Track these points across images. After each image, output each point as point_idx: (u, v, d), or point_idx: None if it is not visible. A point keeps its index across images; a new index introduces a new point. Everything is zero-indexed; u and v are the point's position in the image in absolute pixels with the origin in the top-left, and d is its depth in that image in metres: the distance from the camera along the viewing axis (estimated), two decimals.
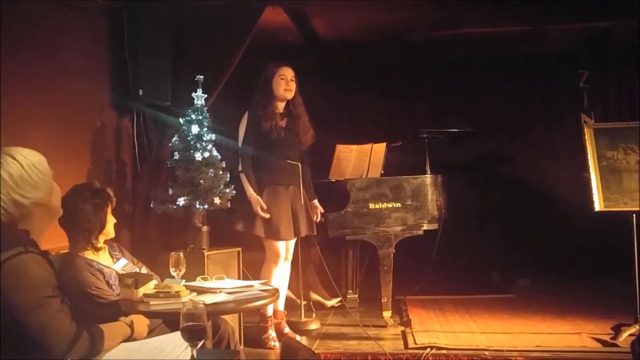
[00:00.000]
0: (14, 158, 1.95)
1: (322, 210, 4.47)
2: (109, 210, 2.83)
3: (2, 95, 3.07)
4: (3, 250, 1.85)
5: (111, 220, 2.86)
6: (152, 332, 2.40)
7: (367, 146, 5.13)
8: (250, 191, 4.12)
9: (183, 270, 2.95)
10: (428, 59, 6.70)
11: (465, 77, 6.82)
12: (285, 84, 4.24)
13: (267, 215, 4.09)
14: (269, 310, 4.25)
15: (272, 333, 4.22)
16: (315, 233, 4.38)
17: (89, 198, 2.75)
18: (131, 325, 2.19)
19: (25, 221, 1.96)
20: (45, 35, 3.60)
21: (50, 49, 3.64)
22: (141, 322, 2.28)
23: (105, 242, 2.88)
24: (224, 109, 4.38)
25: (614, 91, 6.61)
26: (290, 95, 4.28)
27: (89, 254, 2.75)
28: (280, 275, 4.32)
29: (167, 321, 2.58)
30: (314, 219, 4.39)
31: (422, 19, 5.56)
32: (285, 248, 4.27)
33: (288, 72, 4.26)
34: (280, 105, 4.31)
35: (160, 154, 4.35)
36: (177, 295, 2.72)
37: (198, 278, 3.11)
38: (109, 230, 2.85)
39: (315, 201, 4.47)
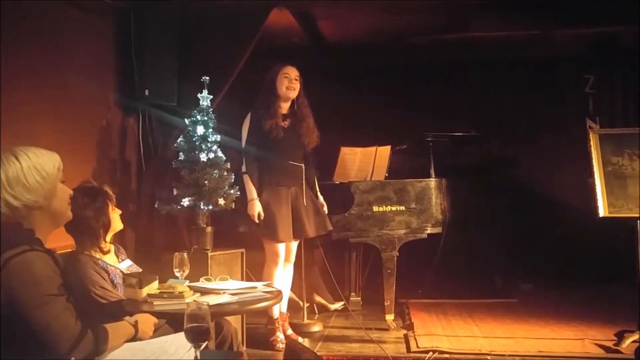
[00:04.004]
0: (16, 158, 1.95)
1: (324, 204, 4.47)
2: (110, 208, 2.82)
3: (8, 93, 3.08)
4: (9, 248, 1.85)
5: (115, 217, 2.85)
6: (155, 332, 2.40)
7: (372, 149, 5.13)
8: (252, 194, 4.11)
9: (187, 271, 2.96)
10: (434, 62, 6.70)
11: (471, 80, 6.81)
12: (289, 82, 4.24)
13: (257, 221, 4.09)
14: (275, 312, 4.25)
15: (280, 335, 4.22)
16: (331, 228, 4.36)
17: (88, 204, 2.72)
18: (135, 325, 2.19)
19: (26, 221, 1.96)
20: (51, 34, 3.61)
21: (57, 48, 3.65)
22: (146, 322, 2.28)
23: (112, 242, 2.88)
24: (230, 110, 4.39)
25: (619, 97, 6.60)
26: (292, 95, 4.28)
27: (95, 252, 2.75)
28: (283, 277, 4.32)
29: (170, 321, 2.58)
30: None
31: (428, 22, 5.56)
32: (285, 249, 4.27)
33: (292, 72, 4.27)
34: (284, 106, 4.31)
35: (165, 154, 4.36)
36: (180, 295, 2.73)
37: (202, 279, 3.11)
38: (115, 227, 2.84)
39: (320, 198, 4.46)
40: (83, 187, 2.78)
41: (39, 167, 1.97)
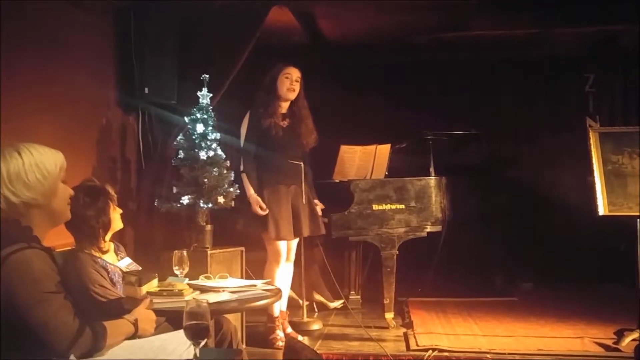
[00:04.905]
0: (19, 154, 1.95)
1: (322, 207, 4.47)
2: (111, 208, 2.82)
3: (8, 91, 3.08)
4: (7, 245, 1.85)
5: (116, 217, 2.85)
6: (155, 330, 2.40)
7: (372, 147, 5.13)
8: (251, 191, 4.12)
9: (186, 269, 2.97)
10: (434, 61, 6.70)
11: (471, 79, 6.81)
12: (290, 83, 4.24)
13: (265, 212, 4.09)
14: (276, 310, 4.25)
15: (279, 333, 4.23)
16: (323, 232, 4.37)
17: (90, 203, 2.71)
18: (135, 324, 2.19)
19: (23, 219, 1.96)
20: (52, 32, 3.61)
21: (57, 47, 3.65)
22: (147, 320, 2.27)
23: (111, 240, 2.88)
24: (229, 108, 4.39)
25: (619, 95, 6.60)
26: (292, 96, 4.28)
27: (95, 251, 2.74)
28: (283, 275, 4.32)
29: (170, 319, 2.58)
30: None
31: (428, 21, 5.55)
32: (286, 248, 4.27)
33: (293, 72, 4.27)
34: (284, 106, 4.32)
35: (165, 152, 4.37)
36: (180, 293, 2.74)
37: (201, 277, 3.12)
38: (115, 226, 2.84)
39: (316, 200, 4.48)
40: (85, 186, 2.77)
41: (41, 165, 1.97)
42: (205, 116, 3.92)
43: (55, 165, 2.01)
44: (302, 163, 4.26)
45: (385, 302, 4.57)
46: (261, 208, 4.09)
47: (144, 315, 2.28)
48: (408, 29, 5.78)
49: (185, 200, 3.85)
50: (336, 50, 6.35)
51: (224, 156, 3.97)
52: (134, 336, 2.18)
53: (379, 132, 5.62)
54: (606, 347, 3.97)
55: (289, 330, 4.38)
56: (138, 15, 4.34)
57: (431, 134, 5.10)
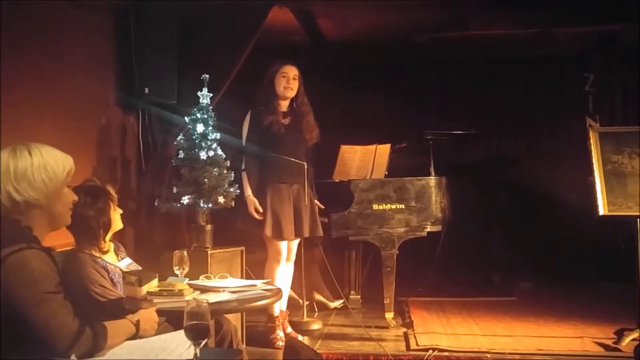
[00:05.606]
0: (29, 153, 1.97)
1: (322, 207, 4.47)
2: (112, 208, 2.82)
3: (8, 91, 3.08)
4: (6, 245, 1.85)
5: (116, 217, 2.85)
6: (155, 330, 2.40)
7: (372, 147, 5.13)
8: (248, 192, 4.12)
9: (186, 269, 2.97)
10: (434, 60, 6.70)
11: (471, 79, 6.82)
12: (286, 81, 4.24)
13: (260, 218, 4.09)
14: (276, 310, 4.25)
15: (279, 333, 4.23)
16: (321, 234, 4.37)
17: (90, 203, 2.70)
18: (137, 324, 2.19)
19: (23, 218, 1.97)
20: (52, 32, 3.61)
21: (57, 47, 3.65)
22: (148, 321, 2.27)
23: (111, 240, 2.88)
24: (230, 108, 4.39)
25: (619, 95, 6.61)
26: (290, 94, 4.27)
27: (95, 252, 2.74)
28: (283, 275, 4.32)
29: (170, 319, 2.58)
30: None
31: (428, 20, 5.56)
32: (287, 248, 4.27)
33: (290, 70, 4.27)
34: (284, 104, 4.31)
35: (165, 152, 4.36)
36: (180, 293, 2.74)
37: (201, 277, 3.12)
38: (116, 227, 2.84)
39: (316, 200, 4.47)
40: (86, 186, 2.77)
41: (49, 167, 1.99)
42: (206, 116, 3.91)
43: (63, 170, 2.03)
44: (305, 162, 4.25)
45: (385, 301, 4.57)
46: (257, 211, 4.09)
47: (146, 316, 2.28)
48: (408, 29, 5.79)
49: (185, 200, 3.84)
50: (336, 49, 6.35)
51: (224, 156, 3.97)
52: (134, 336, 2.18)
53: (379, 132, 5.62)
54: (606, 347, 3.97)
55: (289, 330, 4.37)
56: (138, 15, 4.34)
57: (431, 134, 5.10)
